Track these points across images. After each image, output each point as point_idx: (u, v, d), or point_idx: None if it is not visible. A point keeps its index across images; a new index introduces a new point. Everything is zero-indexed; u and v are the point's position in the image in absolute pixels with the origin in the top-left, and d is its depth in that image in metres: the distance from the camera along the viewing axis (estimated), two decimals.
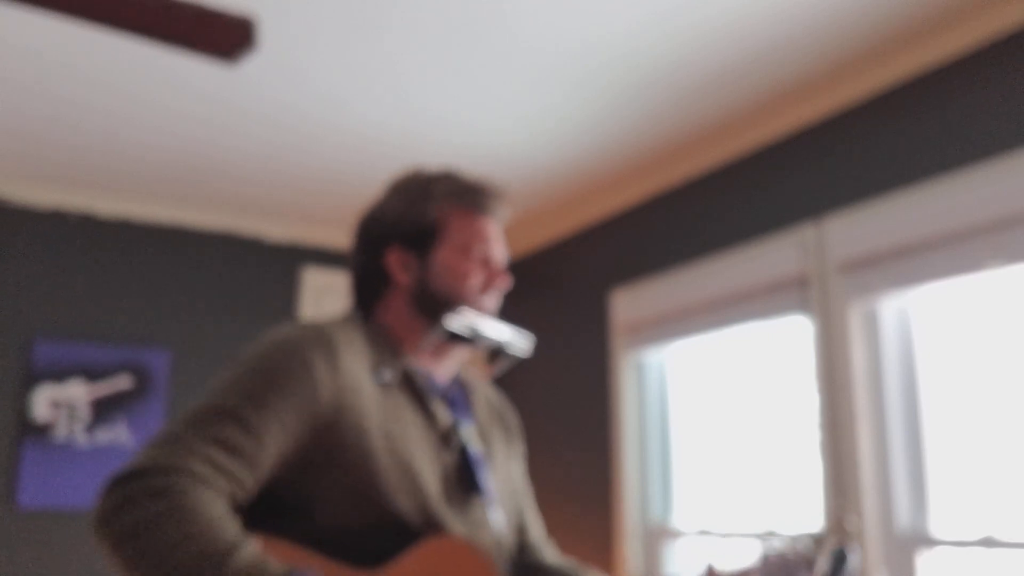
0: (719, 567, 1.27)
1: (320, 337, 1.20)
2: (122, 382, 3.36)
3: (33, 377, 3.23)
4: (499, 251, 1.38)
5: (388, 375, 1.26)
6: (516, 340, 1.39)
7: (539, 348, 3.75)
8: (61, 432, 3.23)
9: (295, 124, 2.79)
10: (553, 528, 3.49)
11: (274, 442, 1.12)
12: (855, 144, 2.46)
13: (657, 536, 3.04)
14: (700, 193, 3.00)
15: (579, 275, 3.58)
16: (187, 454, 1.06)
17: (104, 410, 3.31)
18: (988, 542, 2.04)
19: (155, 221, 3.57)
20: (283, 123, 2.78)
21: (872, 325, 2.39)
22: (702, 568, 1.28)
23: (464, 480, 1.29)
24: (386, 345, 1.31)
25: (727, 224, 2.86)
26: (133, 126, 2.81)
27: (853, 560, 1.25)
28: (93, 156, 3.06)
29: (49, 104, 2.66)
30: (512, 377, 3.93)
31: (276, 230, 3.79)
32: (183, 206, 3.57)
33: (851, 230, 2.41)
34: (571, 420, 3.48)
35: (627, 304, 3.23)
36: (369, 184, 3.30)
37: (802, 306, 2.55)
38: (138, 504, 1.02)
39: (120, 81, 2.51)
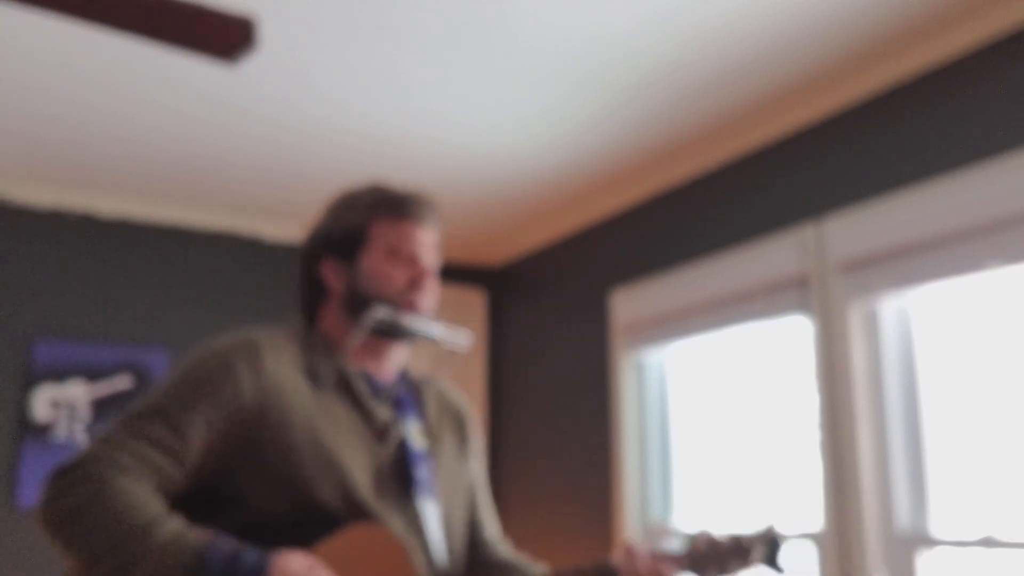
0: (638, 547, 1.32)
1: (244, 344, 1.33)
2: (122, 382, 3.36)
3: (33, 377, 3.23)
4: (425, 252, 1.46)
5: (321, 376, 1.37)
6: (447, 335, 1.47)
7: (539, 348, 3.75)
8: (61, 432, 3.23)
9: (295, 124, 2.79)
10: (553, 528, 3.50)
11: (199, 438, 1.24)
12: (855, 144, 2.46)
13: (657, 536, 3.04)
14: (700, 193, 3.00)
15: (579, 275, 3.58)
16: (116, 448, 1.20)
17: (104, 410, 3.31)
18: (988, 542, 2.04)
19: (155, 221, 3.57)
20: (283, 123, 2.78)
21: (872, 325, 2.39)
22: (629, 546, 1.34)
23: (401, 473, 1.38)
24: (322, 348, 1.41)
25: (727, 224, 2.86)
26: (133, 126, 2.81)
27: (785, 546, 1.32)
28: (93, 156, 3.06)
29: (49, 104, 2.66)
30: (512, 377, 3.93)
31: (276, 230, 3.79)
32: (183, 206, 3.57)
33: (851, 230, 2.41)
34: (571, 420, 3.48)
35: (627, 304, 3.23)
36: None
37: (802, 306, 2.55)
38: (69, 492, 1.15)
39: (120, 81, 2.51)
